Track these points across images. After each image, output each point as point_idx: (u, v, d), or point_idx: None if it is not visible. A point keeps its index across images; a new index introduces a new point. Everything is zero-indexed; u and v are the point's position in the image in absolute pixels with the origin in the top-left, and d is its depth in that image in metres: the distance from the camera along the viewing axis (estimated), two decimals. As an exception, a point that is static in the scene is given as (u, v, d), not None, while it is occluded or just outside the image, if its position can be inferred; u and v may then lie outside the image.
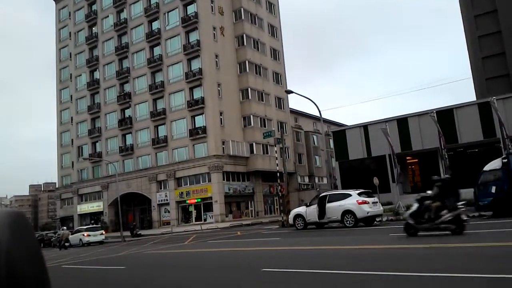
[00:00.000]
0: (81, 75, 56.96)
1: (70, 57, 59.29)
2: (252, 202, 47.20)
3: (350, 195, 18.72)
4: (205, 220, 42.50)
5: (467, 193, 20.27)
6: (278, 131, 43.75)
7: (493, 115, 23.21)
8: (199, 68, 44.49)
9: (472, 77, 47.35)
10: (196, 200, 43.68)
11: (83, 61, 56.68)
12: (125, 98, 50.58)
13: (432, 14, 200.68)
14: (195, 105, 44.13)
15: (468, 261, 7.24)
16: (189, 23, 45.37)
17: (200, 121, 44.41)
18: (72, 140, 57.90)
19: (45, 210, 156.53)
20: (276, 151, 32.01)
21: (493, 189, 16.60)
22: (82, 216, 55.15)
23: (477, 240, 10.03)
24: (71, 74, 58.91)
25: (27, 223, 0.63)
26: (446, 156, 21.31)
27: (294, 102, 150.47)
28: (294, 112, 58.48)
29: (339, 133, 32.43)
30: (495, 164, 17.21)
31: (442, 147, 21.43)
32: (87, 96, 55.64)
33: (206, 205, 43.09)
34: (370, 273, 6.85)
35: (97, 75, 55.03)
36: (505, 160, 16.76)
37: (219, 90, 44.65)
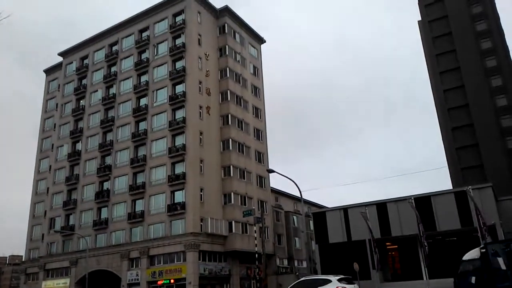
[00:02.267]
0: (63, 145, 56.84)
1: (54, 127, 59.60)
2: (228, 285, 45.07)
3: (330, 281, 18.13)
4: (176, 305, 40.10)
5: (446, 282, 19.92)
6: (259, 210, 43.35)
7: (469, 204, 23.58)
8: (182, 144, 44.97)
9: (447, 165, 48.92)
10: (164, 281, 41.42)
11: (67, 132, 56.92)
12: (105, 171, 50.11)
13: (408, 104, 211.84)
14: (176, 180, 43.85)
15: None
16: (177, 101, 46.73)
17: (179, 196, 43.82)
18: (45, 211, 56.00)
19: (7, 285, 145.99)
20: (255, 231, 31.42)
21: (473, 280, 16.36)
22: (46, 294, 51.48)
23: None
24: (53, 145, 58.75)
25: None
26: (426, 243, 21.17)
27: (276, 182, 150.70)
28: (275, 191, 58.51)
29: (319, 215, 32.17)
30: (473, 253, 17.14)
31: (421, 234, 21.37)
32: (66, 167, 55.00)
33: (179, 287, 40.90)
34: None
35: (79, 146, 54.94)
36: (483, 250, 16.72)
37: (201, 166, 44.79)
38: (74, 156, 54.21)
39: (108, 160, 51.04)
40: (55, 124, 59.67)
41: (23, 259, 62.07)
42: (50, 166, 57.75)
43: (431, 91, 53.39)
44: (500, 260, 15.99)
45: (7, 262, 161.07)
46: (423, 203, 26.26)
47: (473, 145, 46.80)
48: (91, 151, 53.08)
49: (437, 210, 26.47)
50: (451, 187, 45.36)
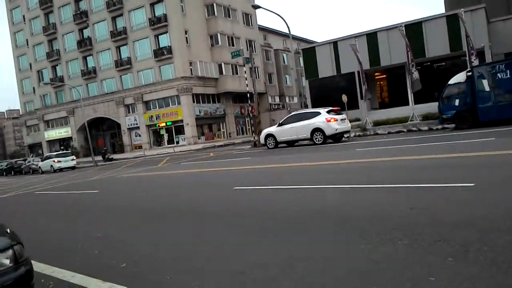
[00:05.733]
0: (31, -9, 52.45)
1: (16, -29, 54.04)
2: (224, 124, 47.36)
3: (319, 113, 18.93)
4: (177, 142, 42.64)
5: (431, 106, 20.92)
6: (247, 50, 42.63)
7: (460, 28, 23.18)
8: (160, -19, 41.56)
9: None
10: (166, 123, 43.36)
11: (31, -24, 51.84)
12: (81, 17, 47.41)
13: None
14: (158, 23, 41.94)
15: (417, 172, 7.61)
16: None
17: (164, 40, 42.53)
18: (30, 64, 54.87)
19: (12, 138, 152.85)
20: (245, 71, 31.41)
21: (457, 102, 17.09)
22: (51, 143, 54.28)
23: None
24: (20, -9, 54.15)
25: None
26: (413, 70, 21.45)
27: (263, 19, 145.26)
28: (263, 29, 56.70)
29: (309, 51, 31.85)
30: (459, 77, 17.52)
31: (410, 62, 21.50)
32: (40, 16, 51.77)
33: (178, 128, 42.98)
34: (334, 187, 7.12)
35: (49, -9, 50.76)
36: (470, 74, 17.06)
37: (182, 6, 42.25)
38: (46, 3, 50.53)
39: (83, 6, 47.80)
40: (16, -32, 53.97)
41: (20, 113, 63.51)
42: (24, 16, 54.30)
43: None
44: (485, 82, 16.45)
45: (6, 116, 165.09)
46: (413, 30, 25.76)
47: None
48: (63, -4, 49.29)
49: (427, 37, 26.19)
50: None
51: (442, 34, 25.64)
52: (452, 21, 25.06)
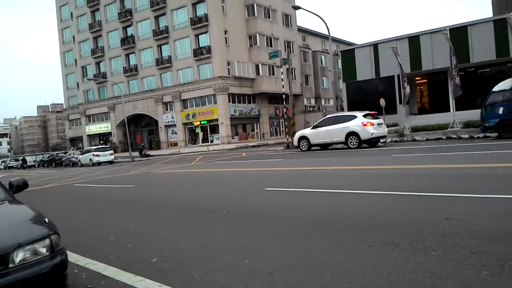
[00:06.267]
0: (79, -8, 54.61)
1: (66, -29, 56.39)
2: (258, 124, 47.52)
3: (355, 117, 18.63)
4: (211, 141, 43.17)
5: (474, 114, 20.12)
6: (285, 51, 42.56)
7: (508, 33, 22.17)
8: (201, -18, 42.23)
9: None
10: (201, 122, 43.99)
11: (80, -24, 53.97)
12: (126, 15, 48.90)
13: None
14: (199, 23, 42.63)
15: (464, 181, 7.33)
16: None
17: (204, 40, 43.18)
18: (75, 60, 57.12)
19: (55, 131, 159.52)
20: (282, 72, 31.37)
21: (500, 110, 16.36)
22: (91, 137, 56.27)
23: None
24: (68, -9, 56.48)
25: None
26: (456, 75, 20.68)
27: (303, 20, 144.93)
28: (302, 30, 56.46)
29: (348, 53, 31.38)
30: (504, 84, 16.76)
31: (453, 67, 20.74)
32: (87, 13, 53.84)
33: (213, 127, 43.52)
34: (368, 192, 6.99)
35: (95, -10, 52.70)
36: (516, 81, 16.31)
37: (223, 6, 42.76)
38: (93, 1, 52.51)
39: (128, 4, 49.28)
40: (66, -32, 56.35)
41: (64, 107, 66.19)
42: (71, 13, 56.62)
43: None
44: (533, 90, 15.68)
45: (50, 110, 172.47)
46: (458, 34, 24.85)
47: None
48: (108, -4, 51.02)
49: (472, 41, 25.19)
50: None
51: (489, 39, 24.59)
52: (499, 26, 23.98)
